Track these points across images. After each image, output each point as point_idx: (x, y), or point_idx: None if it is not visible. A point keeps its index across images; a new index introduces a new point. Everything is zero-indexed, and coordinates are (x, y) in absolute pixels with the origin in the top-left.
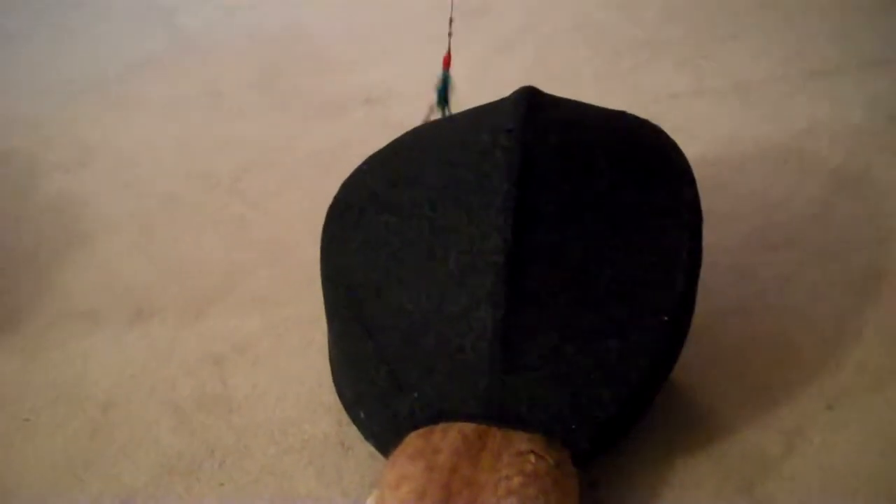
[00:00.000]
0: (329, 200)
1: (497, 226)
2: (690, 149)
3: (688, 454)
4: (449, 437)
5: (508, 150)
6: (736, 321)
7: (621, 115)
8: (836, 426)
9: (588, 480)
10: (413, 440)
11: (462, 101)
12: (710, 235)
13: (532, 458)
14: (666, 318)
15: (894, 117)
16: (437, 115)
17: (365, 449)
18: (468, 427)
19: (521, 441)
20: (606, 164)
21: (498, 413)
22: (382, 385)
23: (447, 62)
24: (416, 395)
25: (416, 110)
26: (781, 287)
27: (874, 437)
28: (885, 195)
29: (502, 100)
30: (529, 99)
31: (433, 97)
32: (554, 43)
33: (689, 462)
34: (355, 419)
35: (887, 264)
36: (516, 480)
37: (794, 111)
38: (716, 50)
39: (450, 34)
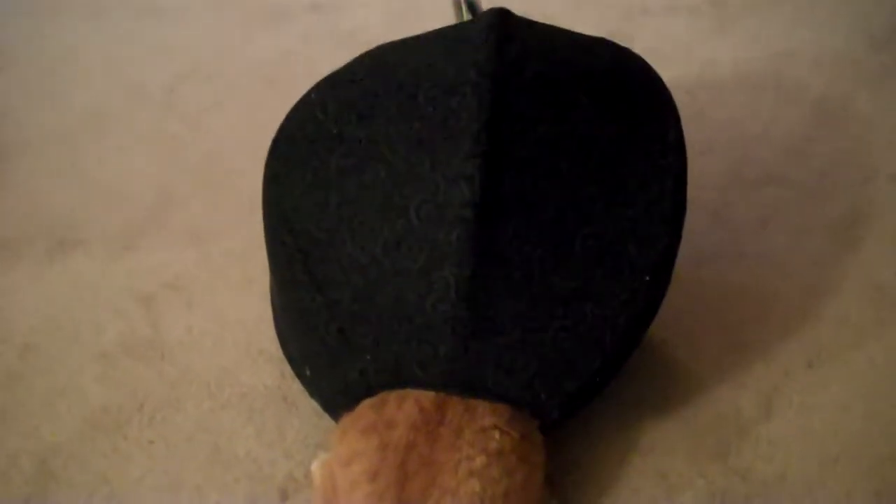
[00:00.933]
0: (271, 118)
1: (465, 174)
2: (664, 73)
3: (659, 416)
4: (405, 408)
5: (478, 86)
6: (711, 269)
7: (602, 44)
8: (816, 386)
9: (555, 447)
10: (365, 411)
11: (421, 11)
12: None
13: (496, 434)
14: (648, 278)
15: (876, 42)
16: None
17: (310, 405)
18: (426, 397)
19: (485, 414)
20: (586, 102)
21: (459, 381)
22: (331, 344)
23: None
24: (368, 357)
25: (369, 18)
26: (759, 231)
27: (856, 398)
28: (867, 130)
29: (471, 23)
30: (501, 25)
31: None
32: None
33: (660, 425)
34: (300, 375)
35: (869, 207)
36: (479, 461)
37: (773, 32)
38: None
39: None
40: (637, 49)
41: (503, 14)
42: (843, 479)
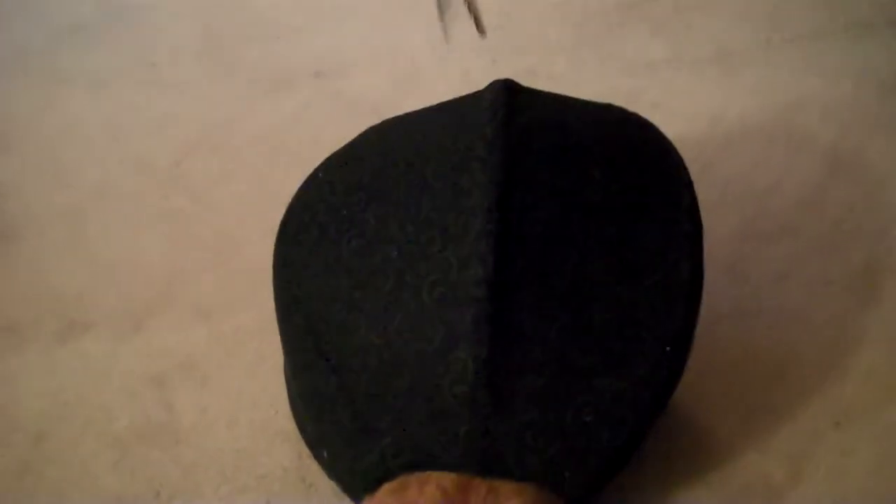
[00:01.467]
0: (278, 188)
1: (477, 253)
2: (671, 127)
3: (685, 485)
4: (427, 492)
5: (487, 162)
6: (730, 327)
7: (609, 111)
8: (845, 446)
9: None
10: (386, 497)
11: (425, 76)
12: None
13: None
14: (668, 349)
15: (885, 87)
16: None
17: (329, 486)
18: (447, 479)
19: (509, 495)
20: (596, 172)
21: (481, 462)
22: (348, 427)
23: None
24: (386, 440)
25: (372, 82)
26: (776, 285)
27: (886, 458)
28: (881, 179)
29: (476, 96)
30: (508, 98)
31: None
32: (520, 5)
33: (687, 495)
34: (318, 457)
35: (888, 257)
36: None
37: (780, 82)
38: (693, 14)
39: None
40: (644, 104)
41: (509, 86)
42: None
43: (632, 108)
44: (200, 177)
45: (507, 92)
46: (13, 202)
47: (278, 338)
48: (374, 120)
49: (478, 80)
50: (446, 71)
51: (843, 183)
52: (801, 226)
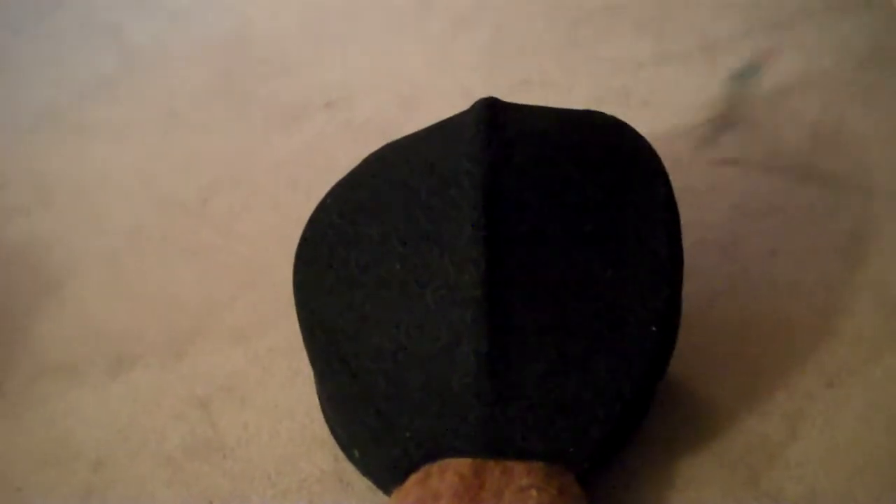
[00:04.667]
0: (297, 215)
1: (471, 258)
2: (660, 123)
3: (690, 451)
4: (446, 479)
5: (473, 175)
6: (725, 302)
7: (589, 116)
8: (838, 404)
9: (594, 494)
10: (412, 488)
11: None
12: (692, 212)
13: (534, 492)
14: (654, 329)
15: (862, 61)
16: None
17: (363, 483)
18: (464, 465)
19: (521, 474)
20: (576, 175)
21: (492, 446)
22: (372, 425)
23: None
24: (408, 434)
25: (380, 106)
26: (768, 260)
27: (877, 412)
28: (864, 149)
29: (461, 116)
30: (490, 115)
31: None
32: (509, 17)
33: (691, 460)
34: (350, 457)
35: (873, 224)
36: None
37: (764, 67)
38: (675, 9)
39: None
40: (634, 101)
41: (490, 103)
42: (870, 489)
43: (623, 106)
44: (226, 211)
45: (489, 109)
46: (57, 252)
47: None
48: (382, 143)
49: (476, 95)
50: (446, 90)
51: (827, 156)
52: (788, 202)
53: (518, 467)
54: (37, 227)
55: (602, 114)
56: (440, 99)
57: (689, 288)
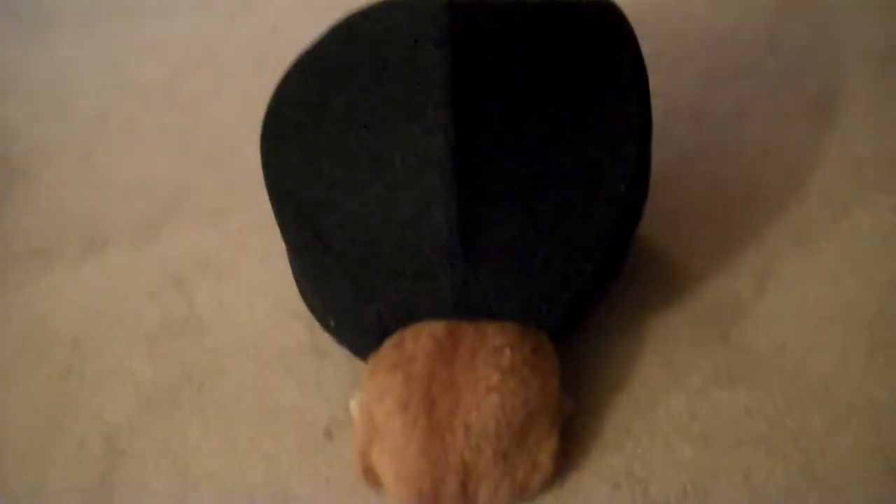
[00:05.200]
0: (266, 95)
1: (439, 122)
2: None
3: (662, 309)
4: (421, 342)
5: (439, 41)
6: (698, 165)
7: None
8: (806, 260)
9: (567, 353)
10: (387, 351)
11: None
12: (665, 79)
13: (507, 351)
14: (623, 189)
15: None
16: None
17: (340, 352)
18: (438, 328)
19: (494, 335)
20: (544, 39)
21: (466, 308)
22: (347, 294)
23: None
24: (381, 301)
25: None
26: (738, 123)
27: (844, 266)
28: (831, 15)
29: None
30: None
31: None
32: None
33: (664, 317)
34: (326, 327)
35: (840, 87)
36: (495, 377)
37: None
38: None
39: None
40: None
41: None
42: (838, 341)
43: None
44: (192, 94)
45: None
46: (24, 140)
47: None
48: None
49: None
50: None
51: (796, 21)
52: (758, 66)
53: (491, 328)
54: (1, 116)
55: None
56: None
57: (660, 153)
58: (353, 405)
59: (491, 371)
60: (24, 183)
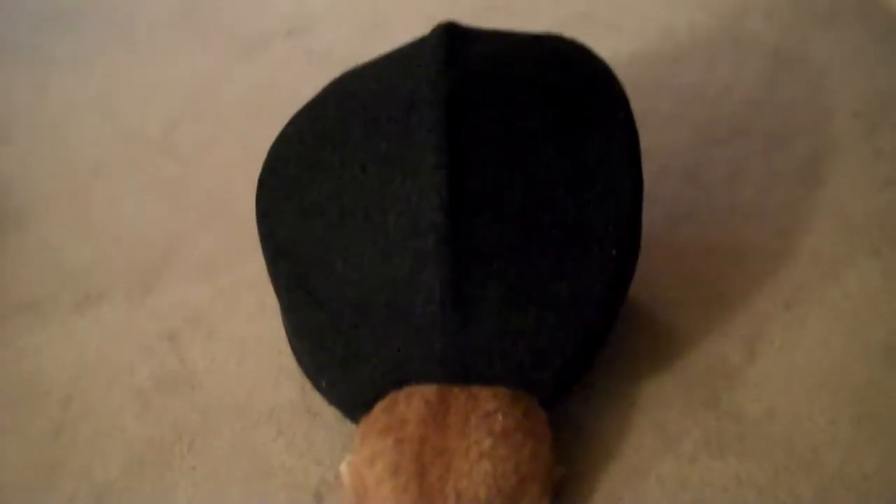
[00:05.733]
0: (262, 147)
1: (432, 183)
2: (624, 47)
3: (653, 375)
4: (413, 405)
5: (433, 102)
6: (687, 228)
7: (547, 39)
8: (796, 325)
9: (558, 418)
10: (379, 413)
11: (389, 23)
12: (655, 138)
13: (499, 416)
14: (614, 252)
15: None
16: None
17: (332, 413)
18: (430, 391)
19: (487, 399)
20: (536, 98)
21: (457, 372)
22: (339, 355)
23: None
24: (374, 362)
25: (340, 35)
26: (729, 184)
27: (833, 331)
28: (824, 73)
29: (421, 41)
30: (449, 40)
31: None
32: None
33: (655, 383)
34: (318, 387)
35: (832, 146)
36: (486, 443)
37: None
38: None
39: None
40: (598, 26)
41: (450, 28)
42: (827, 408)
43: (587, 30)
44: (190, 144)
45: (449, 34)
46: (20, 189)
47: None
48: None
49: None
50: (409, 17)
51: (788, 79)
52: (750, 127)
53: (483, 392)
54: None
55: (562, 37)
56: (403, 26)
57: (651, 213)
58: (344, 468)
59: (483, 436)
60: (18, 233)
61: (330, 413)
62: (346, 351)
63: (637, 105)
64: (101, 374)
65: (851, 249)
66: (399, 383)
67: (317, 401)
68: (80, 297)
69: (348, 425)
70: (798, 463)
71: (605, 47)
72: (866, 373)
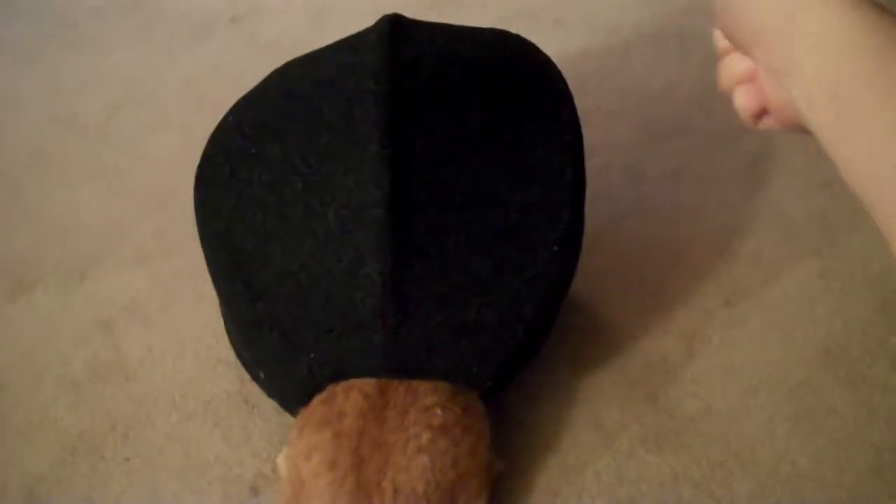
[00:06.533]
0: (204, 136)
1: (373, 177)
2: (572, 43)
3: (592, 371)
4: (351, 398)
5: (376, 94)
6: (629, 225)
7: (493, 35)
8: (735, 323)
9: (497, 413)
10: (317, 406)
11: (335, 13)
12: (599, 135)
13: (438, 410)
14: (556, 248)
15: None
16: None
17: (270, 404)
18: (369, 385)
19: (426, 393)
20: (481, 94)
21: (396, 367)
22: (277, 347)
23: None
24: (312, 355)
25: (288, 24)
26: (671, 183)
27: (772, 330)
28: None
29: (365, 33)
30: (393, 31)
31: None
32: None
33: (594, 379)
34: (256, 379)
35: (774, 147)
36: (425, 437)
37: None
38: None
39: None
40: (545, 21)
41: (394, 21)
42: (763, 407)
43: (534, 25)
44: (130, 132)
45: (393, 26)
46: None
47: None
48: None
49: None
50: (356, 7)
51: None
52: (693, 125)
53: (423, 387)
54: None
55: (508, 33)
56: (349, 16)
57: (594, 209)
58: (281, 461)
59: (421, 430)
60: None
61: (268, 405)
62: (283, 343)
63: (581, 101)
64: (32, 363)
65: (791, 250)
66: (338, 377)
67: (255, 392)
68: (13, 282)
69: (286, 417)
70: (734, 460)
71: (551, 44)
72: (803, 372)
